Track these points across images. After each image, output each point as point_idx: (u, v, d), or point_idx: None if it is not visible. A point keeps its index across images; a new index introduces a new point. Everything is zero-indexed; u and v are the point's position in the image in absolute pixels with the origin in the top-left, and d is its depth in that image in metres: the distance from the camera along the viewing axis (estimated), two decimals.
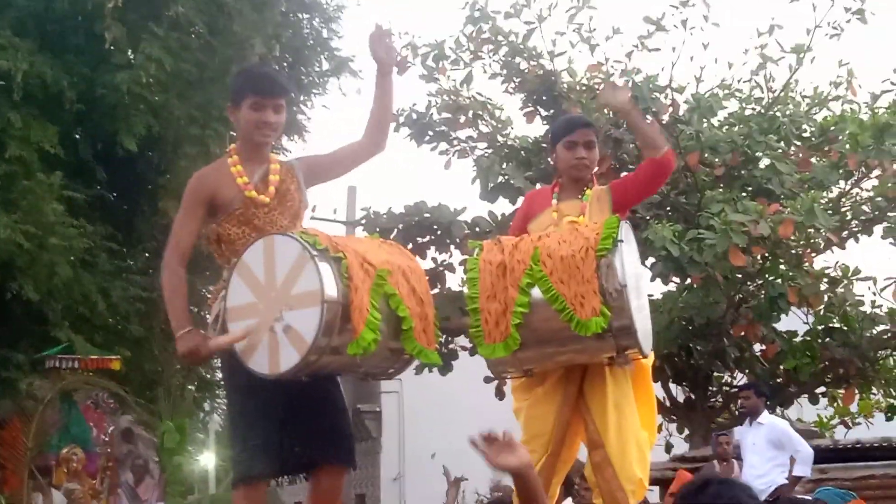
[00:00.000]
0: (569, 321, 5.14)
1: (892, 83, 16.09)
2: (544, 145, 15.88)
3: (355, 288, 4.77)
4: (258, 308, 4.94)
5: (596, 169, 5.87)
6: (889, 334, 15.37)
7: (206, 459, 21.24)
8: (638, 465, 5.57)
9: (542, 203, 5.77)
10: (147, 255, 15.08)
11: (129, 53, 12.99)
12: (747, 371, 15.74)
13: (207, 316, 5.40)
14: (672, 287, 15.78)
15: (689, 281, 15.12)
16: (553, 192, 5.77)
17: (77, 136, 13.61)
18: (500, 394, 16.02)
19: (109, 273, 13.56)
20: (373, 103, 5.55)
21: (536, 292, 5.19)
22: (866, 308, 15.52)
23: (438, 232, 16.00)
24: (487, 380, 16.41)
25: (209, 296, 5.52)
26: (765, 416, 11.95)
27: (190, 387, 16.89)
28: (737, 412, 14.87)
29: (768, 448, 11.46)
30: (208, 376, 16.64)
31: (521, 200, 6.24)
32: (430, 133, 16.66)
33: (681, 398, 16.34)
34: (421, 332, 5.05)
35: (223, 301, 5.08)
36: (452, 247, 16.08)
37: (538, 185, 10.72)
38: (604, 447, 5.50)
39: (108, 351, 13.59)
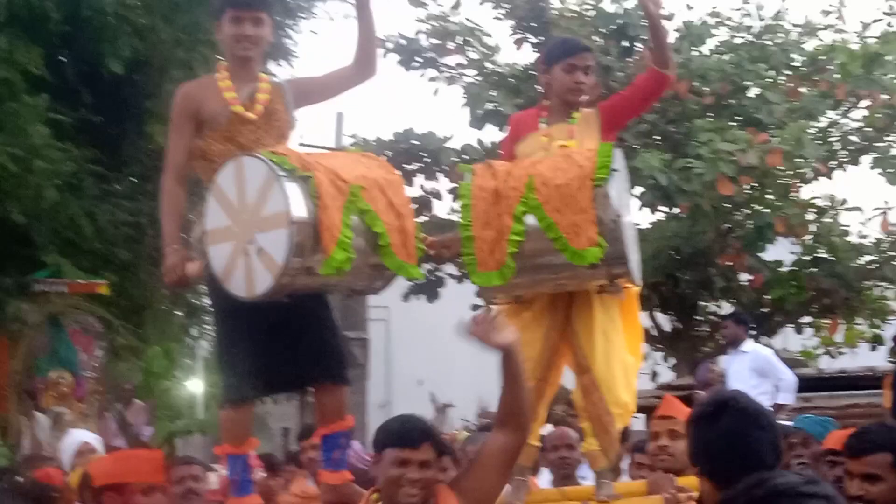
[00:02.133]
0: (564, 250, 5.15)
1: (884, 13, 16.11)
2: (533, 73, 15.89)
3: (325, 207, 4.77)
4: (233, 230, 4.96)
5: (588, 95, 5.86)
6: (875, 265, 15.46)
7: (194, 386, 21.30)
8: (625, 389, 5.61)
9: (529, 125, 5.75)
10: (133, 179, 15.02)
11: None
12: (733, 301, 15.82)
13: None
14: (660, 216, 15.80)
15: (676, 210, 15.18)
16: (539, 116, 5.75)
17: (63, 59, 13.50)
18: None
19: (96, 197, 13.50)
20: (357, 31, 5.54)
21: (531, 220, 5.19)
22: (853, 238, 15.61)
23: (427, 159, 16.03)
24: (475, 307, 16.49)
25: (193, 219, 5.54)
26: (748, 345, 12.04)
27: (177, 312, 16.94)
28: (721, 341, 14.98)
29: (752, 376, 11.55)
30: (196, 302, 16.62)
31: (507, 129, 6.21)
32: (418, 59, 16.64)
33: (667, 327, 16.44)
34: (400, 246, 5.06)
35: (201, 223, 5.12)
36: (441, 174, 16.09)
37: None
38: (591, 372, 5.53)
39: (95, 275, 13.57)
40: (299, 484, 8.35)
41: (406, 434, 4.43)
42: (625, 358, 5.67)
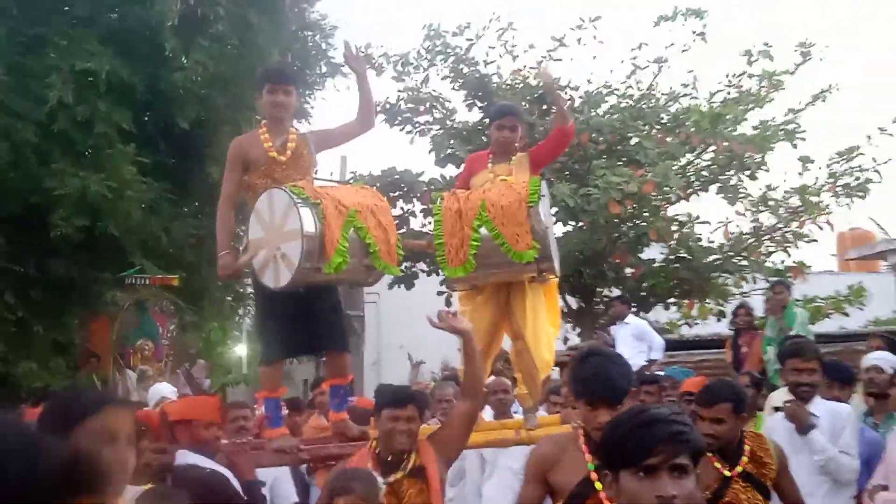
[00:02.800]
0: (508, 252, 5.18)
1: (725, 84, 16.24)
2: (480, 127, 15.93)
3: (328, 225, 4.83)
4: (266, 240, 5.01)
5: (517, 143, 5.87)
6: (719, 261, 15.53)
7: (240, 350, 21.17)
8: (546, 350, 5.63)
9: (480, 165, 5.78)
10: (196, 203, 14.93)
11: (183, 59, 12.80)
12: (621, 287, 15.86)
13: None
14: (569, 228, 15.85)
15: (581, 224, 15.24)
16: (488, 157, 5.77)
17: (145, 118, 13.42)
18: (448, 303, 16.03)
19: (170, 217, 13.41)
20: (358, 97, 5.55)
21: (484, 231, 5.22)
22: (704, 243, 15.69)
23: (405, 189, 15.99)
24: (440, 293, 16.47)
25: (242, 232, 5.59)
26: (630, 318, 12.12)
27: (228, 298, 16.83)
28: (611, 316, 15.04)
29: (632, 340, 11.61)
30: (241, 290, 16.51)
31: (464, 166, 6.22)
32: (399, 119, 16.59)
33: (574, 306, 16.46)
34: (386, 253, 5.10)
35: (246, 235, 5.16)
36: (415, 199, 16.07)
37: None
38: (523, 338, 5.55)
39: (169, 272, 13.52)
40: (315, 419, 8.33)
41: (397, 398, 4.46)
42: (547, 328, 5.69)
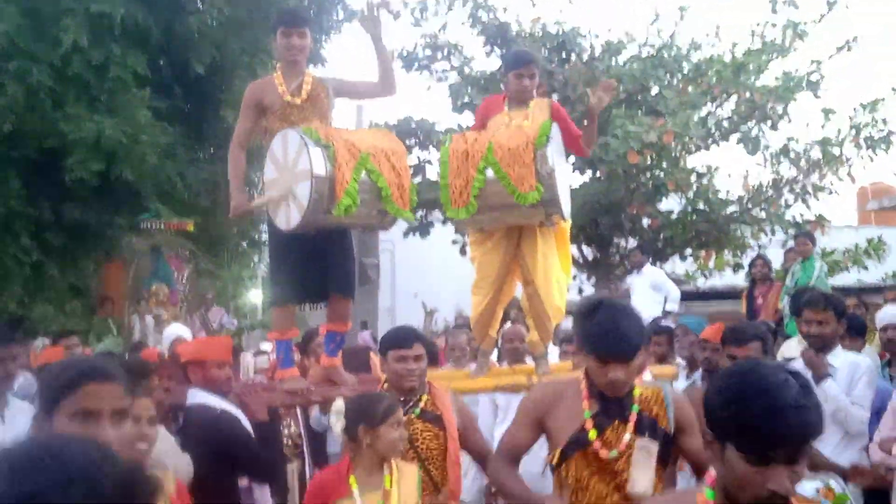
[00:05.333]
0: (512, 194, 5.15)
1: (749, 34, 16.03)
2: (498, 77, 15.80)
3: (339, 167, 4.81)
4: (279, 181, 4.99)
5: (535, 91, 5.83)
6: (737, 213, 15.45)
7: (255, 296, 21.28)
8: (558, 296, 5.62)
9: (496, 108, 5.73)
10: (212, 149, 14.91)
11: (199, 2, 12.76)
12: (638, 238, 15.82)
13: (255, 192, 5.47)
14: (586, 178, 15.77)
15: (598, 174, 15.16)
16: (504, 101, 5.73)
17: (161, 63, 13.36)
18: (462, 252, 16.05)
19: (185, 162, 13.42)
20: (377, 62, 5.49)
21: (490, 173, 5.18)
22: (722, 194, 15.60)
23: (421, 137, 15.94)
24: (454, 242, 16.49)
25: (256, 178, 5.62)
26: (647, 268, 12.08)
27: (243, 244, 16.90)
28: (628, 266, 15.00)
29: (649, 290, 11.57)
30: (257, 237, 16.59)
31: (478, 109, 6.16)
32: (416, 65, 16.48)
33: (590, 257, 16.44)
34: (398, 197, 5.07)
35: (261, 176, 5.15)
36: (431, 147, 16.04)
37: None
38: (534, 284, 5.54)
39: (184, 218, 13.56)
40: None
41: (402, 339, 4.46)
42: (558, 274, 5.68)
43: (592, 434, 3.42)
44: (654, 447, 3.42)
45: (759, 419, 2.02)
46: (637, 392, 3.53)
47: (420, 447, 4.29)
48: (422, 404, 4.39)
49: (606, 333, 3.40)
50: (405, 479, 3.83)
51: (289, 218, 4.89)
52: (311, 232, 4.97)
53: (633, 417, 3.48)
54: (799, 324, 5.60)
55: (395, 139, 5.35)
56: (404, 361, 4.34)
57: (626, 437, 3.45)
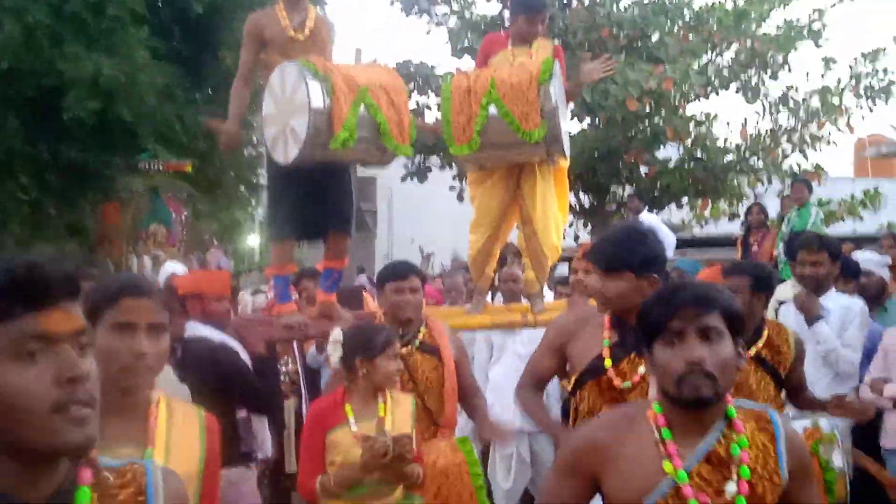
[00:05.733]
0: (516, 131, 5.14)
1: None
2: (498, 21, 15.69)
3: (337, 100, 4.79)
4: (277, 115, 4.98)
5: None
6: (734, 161, 15.44)
7: (252, 239, 21.32)
8: (555, 235, 5.64)
9: (499, 45, 5.69)
10: (210, 91, 14.84)
11: None
12: (634, 186, 15.82)
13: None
14: (584, 125, 15.73)
15: (596, 121, 15.11)
16: (508, 39, 5.69)
17: (159, 3, 13.26)
18: (460, 198, 16.05)
19: (183, 104, 13.36)
20: None
21: (493, 109, 5.17)
22: (720, 143, 15.57)
23: (420, 81, 15.85)
24: (451, 188, 16.49)
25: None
26: (644, 215, 11.98)
27: (241, 187, 16.86)
28: (624, 213, 15.04)
29: None
30: (254, 181, 16.55)
31: (480, 46, 6.11)
32: (416, 8, 16.34)
33: (587, 204, 16.46)
34: (397, 132, 5.04)
35: (261, 110, 5.13)
36: (430, 92, 15.96)
37: None
38: (532, 223, 5.56)
39: (182, 159, 13.51)
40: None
41: (398, 271, 4.50)
42: (556, 214, 5.70)
43: (608, 363, 3.42)
44: None
45: (660, 296, 2.28)
46: None
47: (418, 378, 4.36)
48: (420, 336, 4.45)
49: (599, 239, 3.48)
50: (399, 407, 3.87)
51: (287, 152, 4.88)
52: (310, 166, 4.96)
53: None
54: (793, 266, 5.63)
55: (394, 74, 5.32)
56: (401, 293, 4.39)
57: (641, 369, 3.43)
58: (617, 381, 3.40)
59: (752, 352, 4.38)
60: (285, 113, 4.88)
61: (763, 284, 4.46)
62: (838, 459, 3.60)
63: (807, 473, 2.31)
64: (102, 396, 2.28)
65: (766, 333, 4.40)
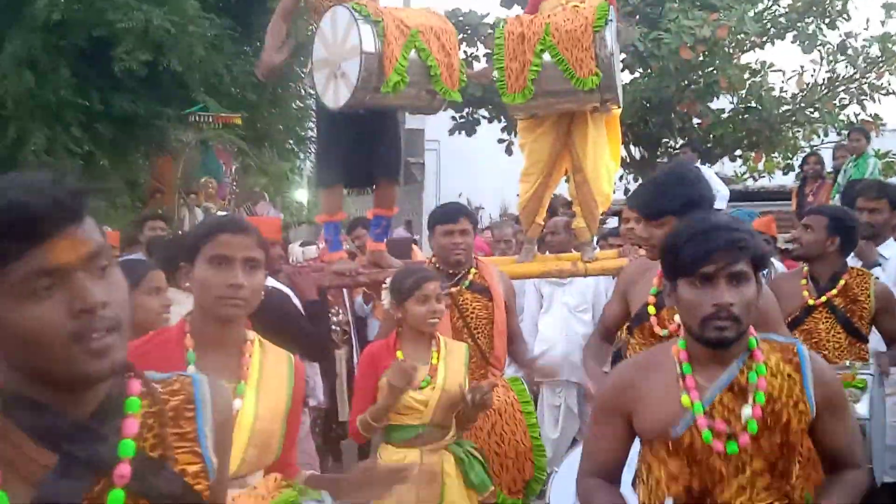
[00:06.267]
0: (571, 79, 5.09)
1: None
2: None
3: (388, 43, 4.76)
4: (329, 60, 4.96)
5: None
6: (790, 113, 15.16)
7: (300, 194, 21.43)
8: (606, 183, 5.61)
9: None
10: (258, 43, 14.83)
11: None
12: (687, 138, 15.62)
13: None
14: (636, 75, 15.51)
15: (648, 71, 14.89)
16: None
17: None
18: (508, 151, 15.96)
19: (232, 54, 13.41)
20: None
21: (547, 56, 5.12)
22: (776, 93, 15.29)
23: (469, 31, 15.72)
24: (500, 141, 16.39)
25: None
26: (697, 166, 11.90)
27: (290, 140, 16.91)
28: None
29: None
30: (302, 134, 16.58)
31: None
32: None
33: (637, 156, 16.28)
34: (447, 77, 5.02)
35: (311, 55, 5.11)
36: (479, 42, 15.83)
37: None
38: (583, 171, 5.52)
39: (232, 112, 13.56)
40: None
41: (449, 213, 4.52)
42: (607, 162, 5.66)
43: (651, 310, 3.44)
44: None
45: (693, 236, 2.28)
46: None
47: (469, 317, 4.41)
48: (470, 277, 4.48)
49: (641, 185, 3.45)
50: (452, 355, 3.89)
51: (337, 96, 4.87)
52: (360, 112, 4.95)
53: None
54: None
55: (444, 18, 5.27)
56: (451, 235, 4.41)
57: (678, 318, 3.46)
58: (657, 329, 3.43)
59: (823, 299, 4.36)
60: (336, 57, 4.87)
61: (840, 227, 4.42)
62: (861, 408, 3.56)
63: (837, 405, 2.37)
64: (201, 328, 2.32)
65: (842, 282, 4.37)
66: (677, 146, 15.79)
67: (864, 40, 14.77)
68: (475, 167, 20.75)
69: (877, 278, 4.62)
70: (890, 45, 14.28)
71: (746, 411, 2.27)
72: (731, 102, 15.45)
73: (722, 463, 2.27)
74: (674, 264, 2.33)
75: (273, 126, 15.78)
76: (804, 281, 4.47)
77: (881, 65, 14.50)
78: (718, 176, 13.08)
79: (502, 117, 15.25)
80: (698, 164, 12.13)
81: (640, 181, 16.08)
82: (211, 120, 13.17)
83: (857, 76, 14.82)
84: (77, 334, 1.33)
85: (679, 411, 2.30)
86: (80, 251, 1.34)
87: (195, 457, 1.50)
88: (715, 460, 2.28)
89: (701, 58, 13.99)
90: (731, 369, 2.32)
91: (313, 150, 14.26)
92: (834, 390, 2.38)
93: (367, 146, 5.23)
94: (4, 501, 1.32)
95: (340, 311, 6.98)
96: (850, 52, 14.81)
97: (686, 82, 14.65)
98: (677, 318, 3.44)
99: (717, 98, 15.19)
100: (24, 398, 1.36)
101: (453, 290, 4.41)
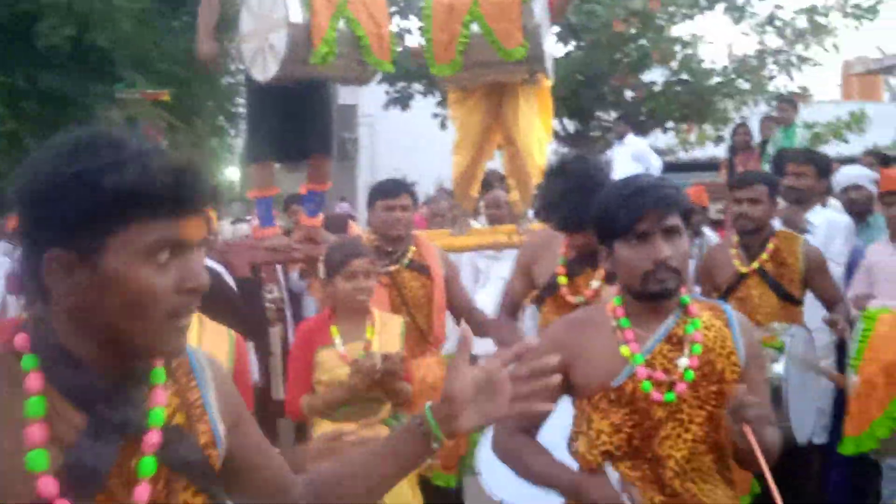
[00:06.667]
0: (498, 50, 5.08)
1: None
2: None
3: (316, 14, 4.72)
4: (255, 32, 4.90)
5: None
6: (721, 84, 15.35)
7: (232, 171, 21.18)
8: (539, 155, 5.62)
9: None
10: (186, 17, 14.56)
11: None
12: (619, 110, 15.73)
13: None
14: (570, 48, 15.55)
15: (581, 44, 14.95)
16: None
17: None
18: (443, 126, 15.91)
19: (161, 31, 13.15)
20: None
21: (475, 27, 5.10)
22: (706, 65, 15.46)
23: (402, 4, 15.57)
24: (435, 115, 16.33)
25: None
26: (629, 138, 12.02)
27: (220, 116, 16.67)
28: (609, 139, 14.95)
29: (631, 160, 11.53)
30: (233, 110, 16.35)
31: None
32: None
33: (571, 129, 16.36)
34: (377, 47, 4.97)
35: (239, 29, 5.04)
36: (412, 16, 15.70)
37: None
38: (515, 143, 5.53)
39: (161, 88, 13.31)
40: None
41: (389, 188, 4.49)
42: (540, 133, 5.67)
43: (562, 279, 3.48)
44: None
45: (624, 198, 2.35)
46: None
47: (408, 296, 4.38)
48: (409, 254, 4.46)
49: (563, 205, 3.48)
50: (387, 328, 3.88)
51: (266, 69, 4.81)
52: (290, 86, 4.89)
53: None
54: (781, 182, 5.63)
55: None
56: (391, 210, 4.39)
57: (594, 283, 3.51)
58: (571, 297, 3.47)
59: (755, 265, 4.42)
60: (264, 29, 4.80)
61: (775, 190, 4.50)
62: (778, 367, 3.62)
63: (759, 362, 2.50)
64: None
65: (771, 245, 4.44)
66: (609, 119, 15.89)
67: (793, 12, 15.00)
68: (410, 142, 20.70)
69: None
70: (816, 18, 14.52)
71: (683, 361, 2.35)
72: (664, 75, 15.58)
73: (661, 412, 2.34)
74: (608, 228, 2.40)
75: (203, 102, 15.53)
76: (734, 250, 4.53)
77: (808, 37, 14.73)
78: (652, 148, 13.24)
79: (437, 92, 15.19)
80: (631, 135, 12.25)
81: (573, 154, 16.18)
82: (139, 97, 12.91)
83: (786, 48, 15.04)
84: (175, 310, 1.38)
85: (619, 363, 2.38)
86: (203, 232, 1.42)
87: (205, 425, 1.54)
88: (655, 409, 2.34)
89: (633, 30, 14.07)
90: (668, 322, 2.40)
91: (244, 125, 14.09)
92: (756, 346, 2.50)
93: (299, 120, 5.17)
94: (44, 460, 1.33)
95: (274, 287, 6.91)
96: (778, 23, 15.03)
97: (618, 55, 14.73)
98: (593, 283, 3.51)
99: (650, 70, 15.32)
100: (68, 355, 1.38)
101: (392, 268, 4.40)
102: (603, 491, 2.28)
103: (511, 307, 3.91)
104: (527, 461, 2.48)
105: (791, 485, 2.62)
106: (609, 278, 3.43)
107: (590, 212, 3.19)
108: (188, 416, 1.52)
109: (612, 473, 2.30)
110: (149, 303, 1.36)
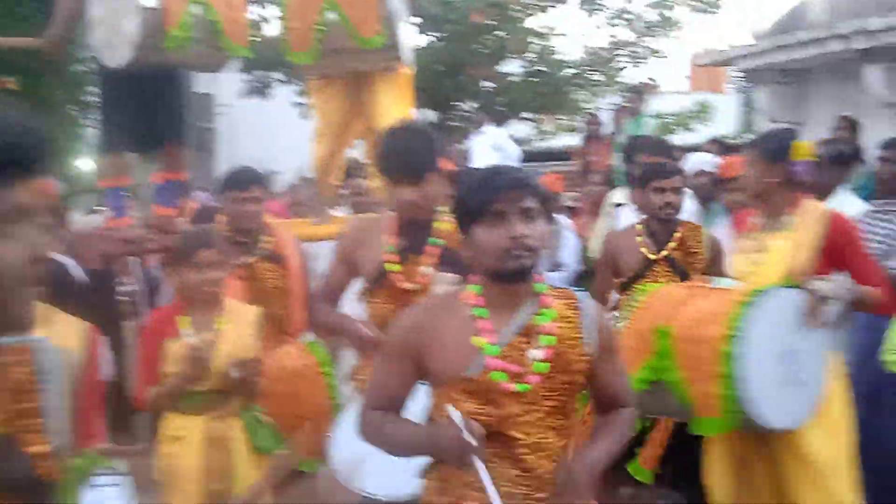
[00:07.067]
0: (355, 38, 5.08)
1: None
2: None
3: None
4: (106, 17, 4.76)
5: None
6: (574, 76, 15.70)
7: (85, 163, 20.42)
8: None
9: None
10: (34, 3, 13.95)
11: None
12: (478, 101, 15.90)
13: None
14: (432, 39, 15.61)
15: (441, 34, 15.03)
16: None
17: None
18: (304, 115, 15.72)
19: (5, 16, 12.55)
20: None
21: (332, 15, 5.07)
22: (561, 57, 15.79)
23: None
24: (294, 104, 16.14)
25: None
26: (488, 128, 12.19)
27: (71, 107, 16.07)
28: (469, 128, 15.10)
29: (489, 150, 11.69)
30: (85, 99, 15.76)
31: None
32: None
33: (432, 119, 16.44)
34: (233, 32, 4.88)
35: (87, 13, 4.86)
36: (267, 3, 15.43)
37: None
38: (376, 131, 5.52)
39: (5, 76, 12.69)
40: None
41: (239, 181, 4.42)
42: (401, 115, 5.68)
43: (392, 267, 3.38)
44: (451, 280, 3.28)
45: (480, 181, 2.40)
46: (440, 225, 3.43)
47: (264, 287, 4.32)
48: (264, 245, 4.40)
49: (394, 153, 3.35)
50: (240, 319, 3.81)
51: (117, 55, 4.65)
52: (143, 73, 4.75)
53: (431, 251, 3.42)
54: (630, 166, 5.82)
55: None
56: (241, 203, 4.32)
57: (424, 269, 3.40)
58: (405, 284, 3.37)
59: (664, 253, 4.55)
60: (114, 14, 4.64)
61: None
62: None
63: (611, 348, 2.53)
64: None
65: (677, 235, 4.57)
66: (469, 109, 16.05)
67: (645, 6, 15.47)
68: (270, 131, 20.36)
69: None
70: (664, 11, 15.03)
71: (535, 353, 2.38)
72: (521, 66, 15.83)
73: (514, 403, 2.36)
74: (465, 212, 2.41)
75: (52, 92, 14.91)
76: (640, 238, 4.62)
77: (657, 30, 15.22)
78: (511, 138, 13.45)
79: (298, 80, 14.99)
80: (491, 125, 12.41)
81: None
82: None
83: (636, 41, 15.51)
84: (20, 279, 1.32)
85: (472, 353, 2.38)
86: (40, 198, 1.36)
87: (39, 435, 1.45)
88: (507, 400, 2.36)
89: (490, 22, 14.24)
90: (523, 313, 2.42)
91: (97, 115, 13.62)
92: (608, 334, 2.53)
93: (152, 108, 5.04)
94: None
95: (128, 280, 6.71)
96: (628, 17, 15.48)
97: (477, 46, 14.88)
98: (423, 269, 3.39)
99: (507, 62, 15.54)
100: None
101: (248, 260, 4.34)
102: (448, 433, 2.29)
103: (332, 296, 3.74)
104: (390, 433, 2.50)
105: None
106: (440, 264, 3.37)
107: (419, 158, 3.29)
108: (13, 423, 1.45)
109: (455, 413, 2.30)
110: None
